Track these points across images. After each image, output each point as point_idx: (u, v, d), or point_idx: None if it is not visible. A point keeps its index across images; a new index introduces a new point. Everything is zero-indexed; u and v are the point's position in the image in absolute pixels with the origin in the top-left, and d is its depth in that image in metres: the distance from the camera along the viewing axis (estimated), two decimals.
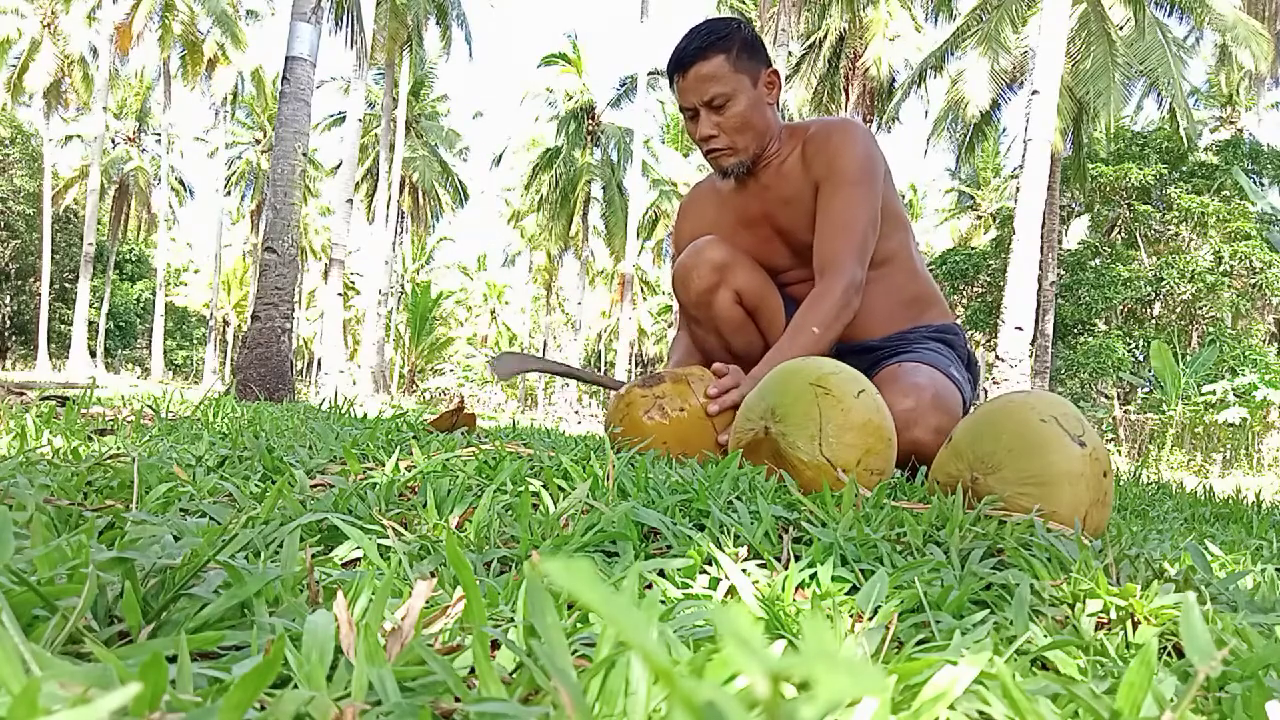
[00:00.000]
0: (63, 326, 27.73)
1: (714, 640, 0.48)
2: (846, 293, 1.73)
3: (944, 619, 0.58)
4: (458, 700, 0.37)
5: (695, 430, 1.46)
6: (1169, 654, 0.59)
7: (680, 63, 1.81)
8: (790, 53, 17.28)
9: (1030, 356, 9.42)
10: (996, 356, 8.87)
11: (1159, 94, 15.11)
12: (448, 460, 1.00)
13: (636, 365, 36.49)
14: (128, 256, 34.05)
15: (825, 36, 18.41)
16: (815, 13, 18.26)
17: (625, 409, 1.48)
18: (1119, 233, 19.89)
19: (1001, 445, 1.06)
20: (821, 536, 0.73)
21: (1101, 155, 18.98)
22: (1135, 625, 0.61)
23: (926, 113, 18.29)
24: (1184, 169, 18.71)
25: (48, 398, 1.90)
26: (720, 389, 1.52)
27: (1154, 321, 18.32)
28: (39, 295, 24.91)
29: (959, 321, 2.12)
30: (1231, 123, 23.87)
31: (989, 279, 18.97)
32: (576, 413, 20.41)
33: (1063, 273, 18.24)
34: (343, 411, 2.02)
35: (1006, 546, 0.76)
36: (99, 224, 26.58)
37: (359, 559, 0.64)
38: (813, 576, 0.64)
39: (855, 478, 0.92)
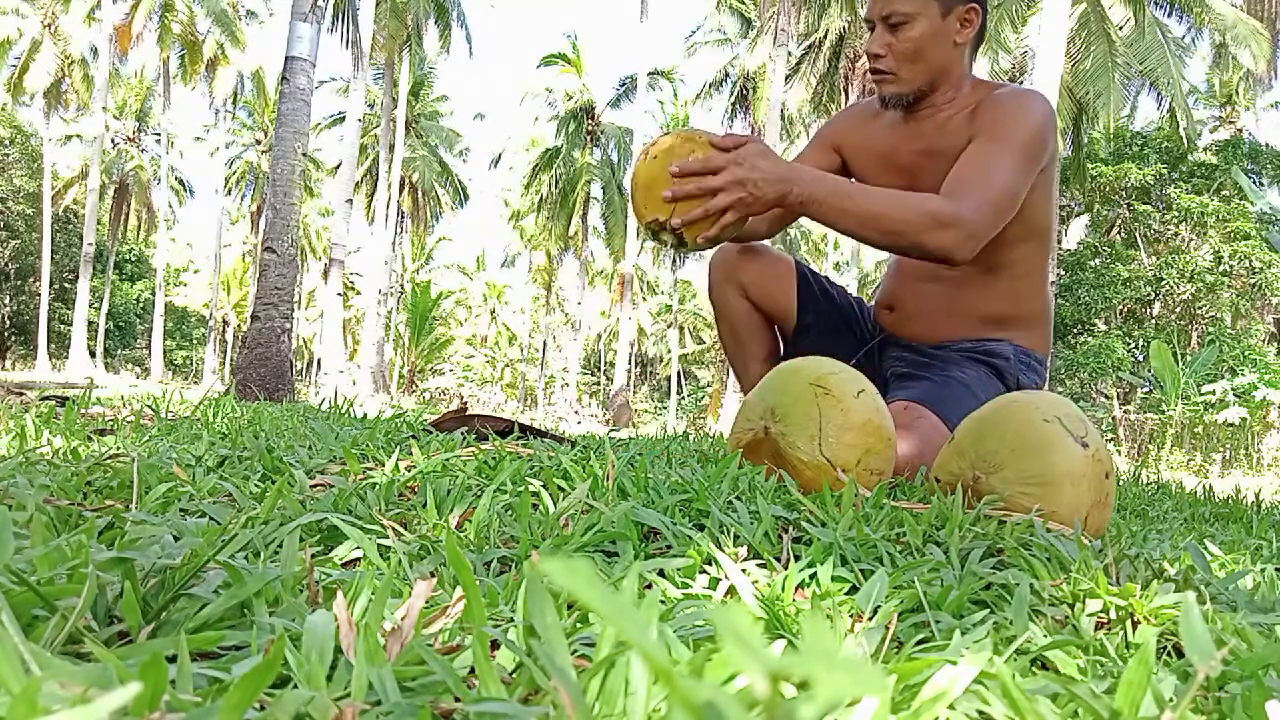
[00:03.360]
0: (62, 326, 27.71)
1: (714, 640, 0.47)
2: (941, 219, 1.45)
3: (944, 619, 0.58)
4: (458, 700, 0.37)
5: (658, 180, 1.43)
6: (1169, 654, 0.59)
7: None
8: (790, 53, 17.27)
9: None
10: None
11: (1159, 94, 15.12)
12: (448, 460, 1.00)
13: (636, 365, 36.47)
14: (127, 256, 34.05)
15: (825, 36, 18.39)
16: (815, 12, 18.23)
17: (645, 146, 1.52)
18: (1119, 233, 19.88)
19: (1004, 444, 1.06)
20: (821, 536, 0.73)
21: (1101, 155, 18.98)
22: (1135, 625, 0.61)
23: None
24: (1184, 169, 18.72)
25: (47, 398, 1.90)
26: (684, 170, 1.41)
27: (1154, 321, 18.32)
28: (39, 295, 24.90)
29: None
30: (1231, 122, 23.88)
31: None
32: (576, 413, 20.40)
33: (1063, 273, 18.23)
34: (343, 411, 2.02)
35: (1006, 546, 0.76)
36: (99, 224, 26.53)
37: (359, 559, 0.64)
38: (813, 576, 0.64)
39: (855, 478, 0.92)
